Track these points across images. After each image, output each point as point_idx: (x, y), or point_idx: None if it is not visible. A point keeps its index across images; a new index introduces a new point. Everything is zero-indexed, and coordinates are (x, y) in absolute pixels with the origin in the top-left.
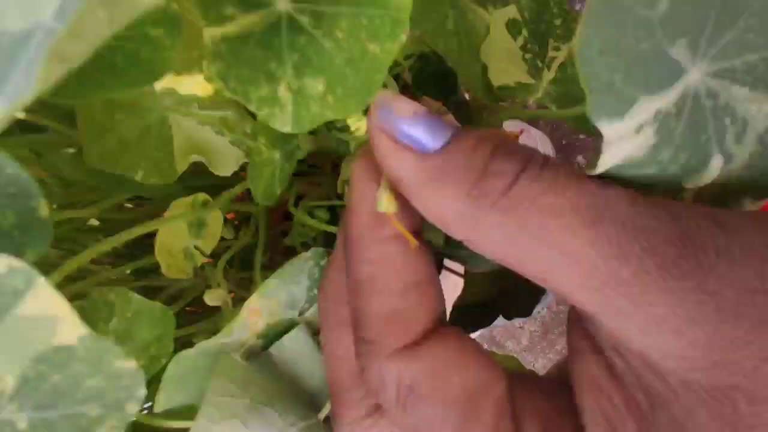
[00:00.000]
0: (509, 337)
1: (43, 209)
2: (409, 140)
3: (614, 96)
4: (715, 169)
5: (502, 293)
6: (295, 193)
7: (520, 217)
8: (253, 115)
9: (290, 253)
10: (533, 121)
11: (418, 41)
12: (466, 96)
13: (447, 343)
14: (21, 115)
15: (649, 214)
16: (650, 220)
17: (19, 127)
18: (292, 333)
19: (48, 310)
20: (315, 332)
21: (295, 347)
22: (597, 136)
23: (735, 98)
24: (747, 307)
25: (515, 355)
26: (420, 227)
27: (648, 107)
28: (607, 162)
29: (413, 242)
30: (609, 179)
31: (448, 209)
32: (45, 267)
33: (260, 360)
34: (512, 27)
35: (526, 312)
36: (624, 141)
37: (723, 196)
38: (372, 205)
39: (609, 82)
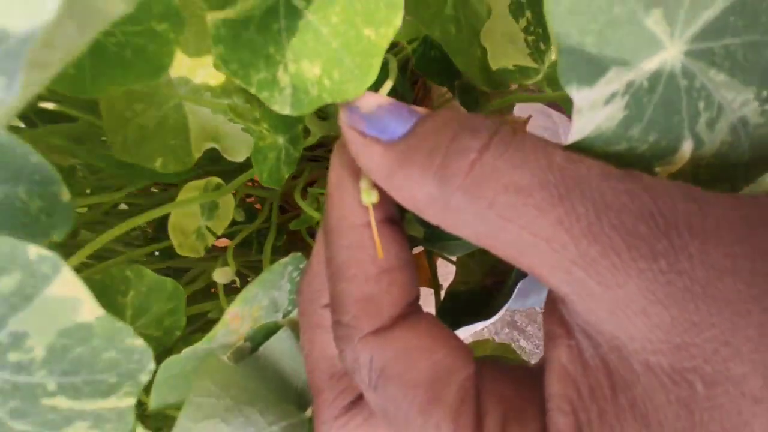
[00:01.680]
0: (530, 321)
1: (65, 195)
2: (376, 132)
3: (585, 61)
4: (685, 152)
5: (496, 284)
6: (306, 178)
7: (486, 197)
8: (260, 102)
9: (312, 235)
10: (554, 104)
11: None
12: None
13: (418, 328)
14: (51, 106)
15: (621, 189)
16: (621, 195)
17: (52, 117)
18: (278, 334)
19: (71, 293)
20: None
21: (280, 348)
22: None
23: (712, 82)
24: (714, 289)
25: (536, 340)
26: (397, 216)
27: (619, 78)
28: (577, 133)
29: (378, 244)
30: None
31: (417, 193)
32: (76, 248)
33: (249, 362)
34: (515, 8)
35: (495, 310)
36: (594, 111)
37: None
38: (347, 194)
39: (580, 44)
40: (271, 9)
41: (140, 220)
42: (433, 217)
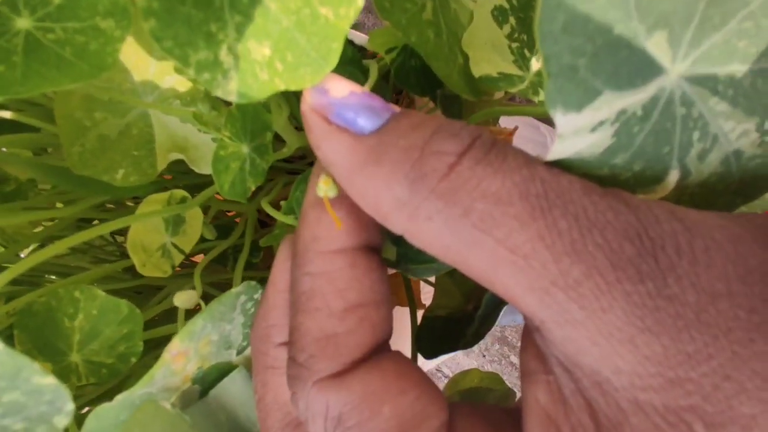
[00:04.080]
0: (521, 336)
1: None
2: (344, 122)
3: (575, 84)
4: (670, 183)
5: (478, 309)
6: (279, 191)
7: (461, 203)
8: (226, 106)
9: None
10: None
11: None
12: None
13: (382, 369)
14: (8, 115)
15: (604, 205)
16: (606, 212)
17: (15, 127)
18: (231, 376)
19: None
20: None
21: (234, 391)
22: None
23: (711, 111)
24: (709, 315)
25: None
26: (378, 242)
27: (611, 104)
28: (555, 154)
29: (338, 224)
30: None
31: (383, 195)
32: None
33: (197, 407)
34: (498, 14)
35: (476, 338)
36: (578, 137)
37: None
38: (325, 214)
39: (571, 67)
40: None
41: (89, 234)
42: (397, 224)
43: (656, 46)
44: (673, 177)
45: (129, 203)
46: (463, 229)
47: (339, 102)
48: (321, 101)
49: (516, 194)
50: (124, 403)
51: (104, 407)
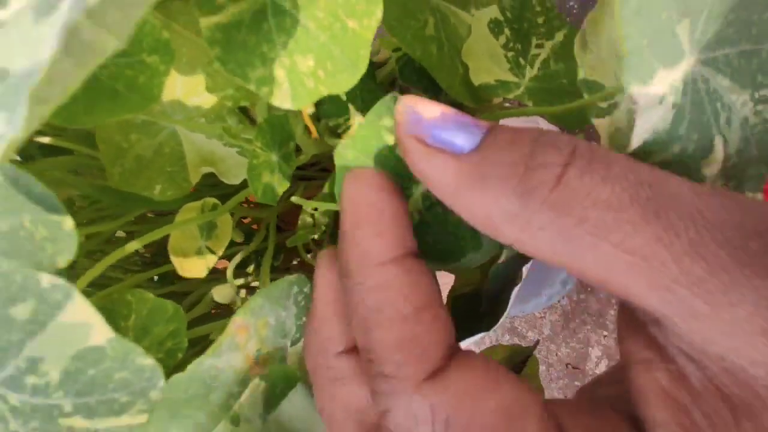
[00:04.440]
0: (530, 327)
1: (68, 224)
2: (441, 143)
3: (641, 61)
4: (719, 149)
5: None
6: (300, 194)
7: (574, 213)
8: (252, 122)
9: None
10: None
11: None
12: None
13: (470, 366)
14: (46, 140)
15: (718, 205)
16: (720, 212)
17: (50, 151)
18: (288, 397)
19: (83, 318)
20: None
21: (293, 413)
22: (579, 130)
23: (720, 86)
24: None
25: (537, 346)
26: (416, 249)
27: (665, 78)
28: (639, 134)
29: (314, 132)
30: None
31: (494, 210)
32: (75, 277)
33: (265, 426)
34: (494, 26)
35: (497, 317)
36: (651, 110)
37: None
38: (367, 229)
39: (639, 46)
40: (259, 11)
41: (140, 243)
42: (509, 235)
43: (683, 31)
44: (719, 143)
45: (150, 215)
46: (578, 237)
47: (434, 125)
48: (415, 125)
49: (626, 200)
50: (194, 377)
51: (177, 378)
